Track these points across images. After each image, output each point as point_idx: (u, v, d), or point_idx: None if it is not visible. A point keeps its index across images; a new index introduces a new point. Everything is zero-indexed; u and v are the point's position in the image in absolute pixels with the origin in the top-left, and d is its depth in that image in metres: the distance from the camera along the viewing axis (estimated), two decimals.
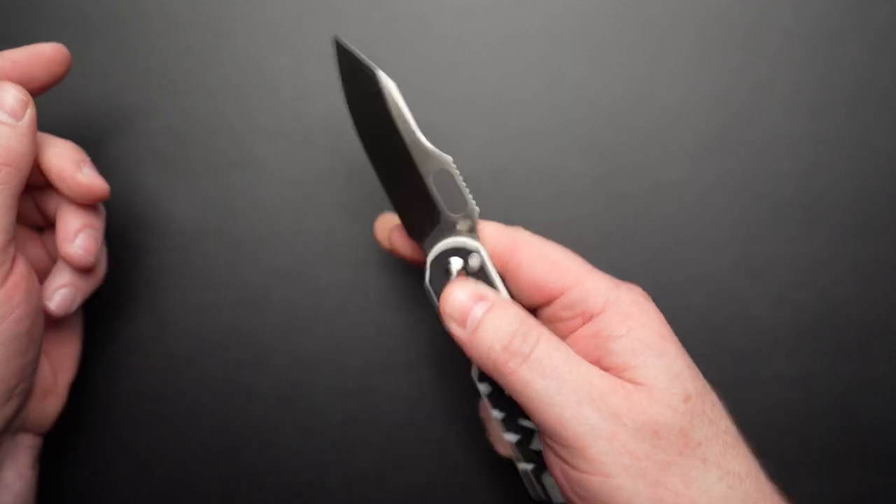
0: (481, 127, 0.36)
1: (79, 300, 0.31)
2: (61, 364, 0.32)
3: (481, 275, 0.28)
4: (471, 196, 0.29)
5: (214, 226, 0.36)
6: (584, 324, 0.27)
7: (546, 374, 0.25)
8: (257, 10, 0.37)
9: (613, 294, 0.27)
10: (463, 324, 0.27)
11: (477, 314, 0.27)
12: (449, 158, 0.28)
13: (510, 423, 0.29)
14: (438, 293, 0.28)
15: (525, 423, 0.29)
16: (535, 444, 0.29)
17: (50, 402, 0.31)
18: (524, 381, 0.25)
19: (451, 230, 0.29)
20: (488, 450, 0.35)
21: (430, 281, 0.28)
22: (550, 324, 0.29)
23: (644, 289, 0.28)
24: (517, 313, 0.27)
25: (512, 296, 0.29)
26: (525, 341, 0.26)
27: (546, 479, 0.29)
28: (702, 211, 0.36)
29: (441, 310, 0.27)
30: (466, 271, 0.28)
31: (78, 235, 0.30)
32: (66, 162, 0.30)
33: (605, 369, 0.26)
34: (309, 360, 0.36)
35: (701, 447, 0.25)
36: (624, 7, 0.37)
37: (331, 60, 0.37)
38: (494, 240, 0.29)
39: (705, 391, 0.26)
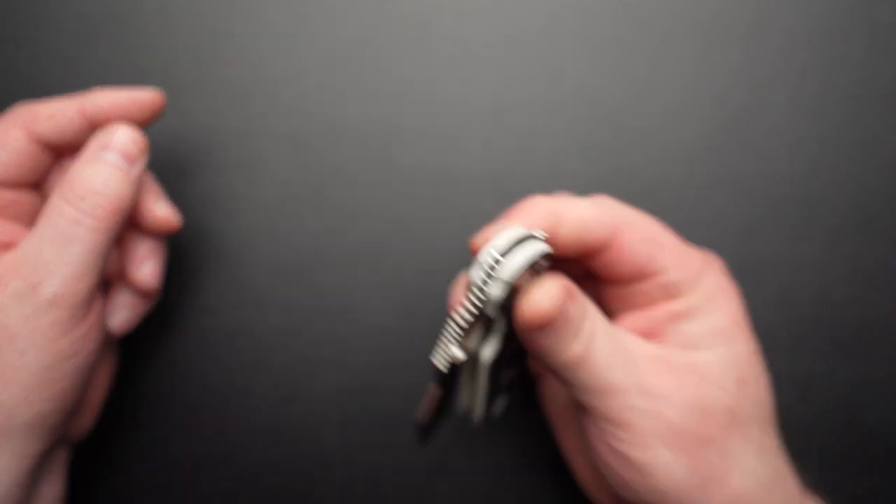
0: (481, 127, 0.36)
1: (137, 320, 0.32)
2: (100, 382, 0.33)
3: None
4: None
5: (214, 226, 0.36)
6: (668, 299, 0.27)
7: (597, 367, 0.25)
8: (257, 11, 0.37)
9: (704, 279, 0.27)
10: (541, 327, 0.25)
11: (561, 320, 0.24)
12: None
13: (493, 388, 0.28)
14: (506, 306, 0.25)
15: (506, 373, 0.29)
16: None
17: (86, 417, 0.32)
18: (576, 377, 0.25)
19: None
20: (488, 450, 0.35)
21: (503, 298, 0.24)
22: (639, 299, 0.28)
23: None
24: (584, 306, 0.25)
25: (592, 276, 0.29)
26: (591, 343, 0.25)
27: (496, 407, 0.29)
28: (701, 211, 0.36)
29: (525, 315, 0.24)
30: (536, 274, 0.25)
31: (145, 262, 0.31)
32: (146, 194, 0.31)
33: (665, 342, 0.27)
34: (309, 360, 0.36)
35: (745, 426, 0.26)
36: (624, 7, 0.37)
37: (331, 61, 0.37)
38: (597, 231, 0.27)
39: (762, 377, 0.27)
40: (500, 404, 0.31)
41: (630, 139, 0.36)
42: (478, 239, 0.26)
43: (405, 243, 0.36)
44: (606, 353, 0.25)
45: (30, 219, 0.30)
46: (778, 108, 0.36)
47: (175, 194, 0.36)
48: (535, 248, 0.24)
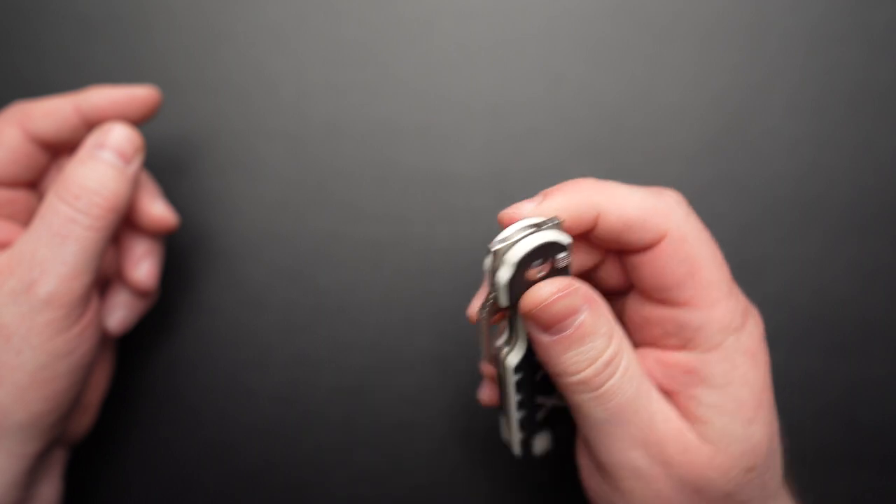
0: (481, 127, 0.36)
1: (134, 320, 0.32)
2: (97, 382, 0.32)
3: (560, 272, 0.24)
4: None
5: (214, 226, 0.36)
6: (680, 348, 0.25)
7: (609, 408, 0.23)
8: (258, 11, 0.37)
9: (732, 338, 0.24)
10: (546, 329, 0.23)
11: (567, 326, 0.23)
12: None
13: (526, 401, 0.27)
14: (514, 293, 0.24)
15: (544, 398, 0.27)
16: (538, 416, 0.28)
17: (84, 417, 0.32)
18: (585, 407, 0.24)
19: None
20: (488, 450, 0.35)
21: (511, 281, 0.23)
22: (653, 324, 0.25)
23: None
24: (607, 330, 0.23)
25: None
26: (606, 370, 0.23)
27: (536, 443, 0.28)
28: (700, 211, 0.36)
29: (526, 308, 0.23)
30: (552, 269, 0.24)
31: (142, 261, 0.31)
32: (142, 193, 0.31)
33: (683, 409, 0.24)
34: (309, 360, 0.36)
35: None
36: (623, 8, 0.37)
37: (331, 61, 0.37)
38: (641, 231, 0.24)
39: (773, 458, 0.24)
40: (542, 443, 0.29)
41: (629, 140, 0.36)
42: (504, 214, 0.24)
43: (405, 243, 0.36)
44: (626, 394, 0.23)
45: (26, 218, 0.30)
46: (776, 109, 0.36)
47: (174, 194, 0.36)
48: (548, 236, 0.23)
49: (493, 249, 0.23)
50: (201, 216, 0.36)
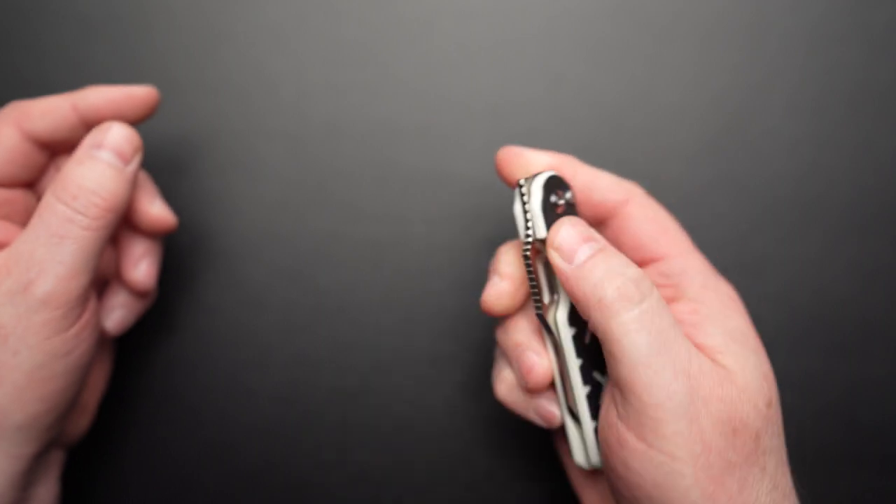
0: (481, 127, 0.36)
1: (132, 320, 0.32)
2: (95, 383, 0.32)
3: (572, 212, 0.27)
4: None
5: (214, 226, 0.36)
6: (675, 297, 0.26)
7: (652, 330, 0.23)
8: (258, 11, 0.37)
9: (713, 280, 0.26)
10: (569, 259, 0.25)
11: (585, 252, 0.25)
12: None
13: (586, 374, 0.27)
14: (543, 218, 0.26)
15: (599, 376, 0.27)
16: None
17: (82, 419, 0.32)
18: (627, 329, 0.23)
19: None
20: (488, 450, 0.35)
21: (543, 207, 0.26)
22: None
23: None
24: (629, 260, 0.25)
25: None
26: (638, 289, 0.24)
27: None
28: (700, 211, 0.36)
29: (549, 240, 0.26)
30: (565, 206, 0.27)
31: (141, 262, 0.31)
32: (141, 193, 0.30)
33: (698, 347, 0.25)
34: (309, 360, 0.36)
35: (765, 455, 0.24)
36: (623, 8, 0.37)
37: (331, 61, 0.37)
38: (607, 190, 0.28)
39: (779, 403, 0.25)
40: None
41: (629, 140, 0.36)
42: (505, 149, 0.29)
43: (405, 243, 0.36)
44: (666, 319, 0.24)
45: (24, 218, 0.30)
46: (776, 109, 0.36)
47: (174, 194, 0.36)
48: (555, 172, 0.27)
49: (520, 182, 0.27)
50: (201, 216, 0.36)
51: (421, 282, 0.36)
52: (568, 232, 0.25)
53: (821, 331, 0.35)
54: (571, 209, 0.27)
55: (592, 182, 0.28)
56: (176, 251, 0.36)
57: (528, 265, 0.27)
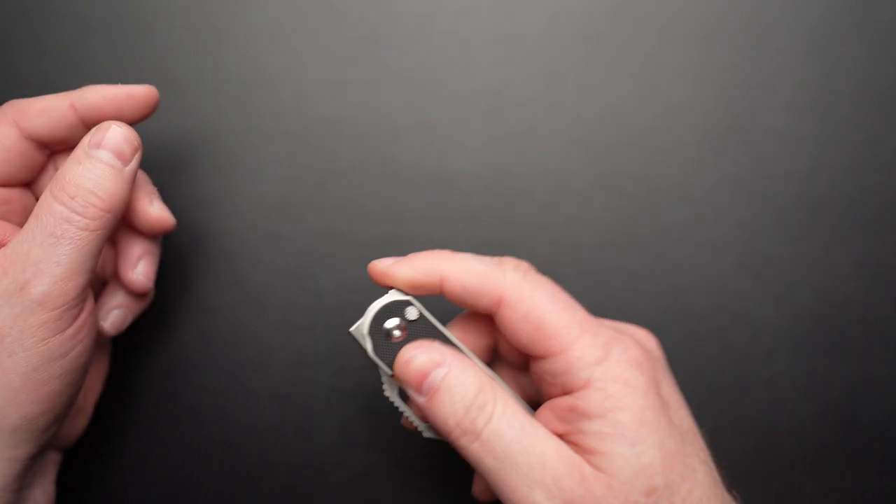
0: (482, 127, 0.36)
1: (129, 320, 0.32)
2: (92, 384, 0.32)
3: (423, 324, 0.28)
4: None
5: (214, 226, 0.36)
6: (561, 393, 0.26)
7: (497, 454, 0.25)
8: (257, 10, 0.37)
9: (599, 370, 0.25)
10: (419, 390, 0.26)
11: (434, 381, 0.26)
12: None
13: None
14: (386, 360, 0.27)
15: None
16: None
17: (78, 420, 0.32)
18: (475, 457, 0.25)
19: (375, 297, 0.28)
20: None
21: (375, 350, 0.27)
22: (537, 379, 0.28)
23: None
24: (474, 380, 0.26)
25: (497, 346, 0.29)
26: (480, 414, 0.25)
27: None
28: (703, 211, 0.36)
29: (395, 376, 0.27)
30: (408, 327, 0.28)
31: (139, 262, 0.31)
32: (140, 194, 0.30)
33: (574, 445, 0.25)
34: (309, 361, 0.36)
35: None
36: (625, 7, 0.37)
37: (331, 60, 0.37)
38: (476, 294, 0.27)
39: (681, 479, 0.25)
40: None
41: (631, 139, 0.36)
42: (371, 265, 0.29)
43: (405, 243, 0.36)
44: (509, 437, 0.25)
45: (21, 218, 0.29)
46: (779, 108, 0.36)
47: (173, 193, 0.36)
48: (384, 300, 0.28)
49: (349, 331, 0.28)
50: (200, 216, 0.36)
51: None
52: (412, 363, 0.26)
53: (823, 331, 0.35)
54: (417, 326, 0.28)
55: (461, 283, 0.27)
56: (175, 251, 0.36)
57: (393, 397, 0.29)
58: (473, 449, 0.25)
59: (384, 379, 0.29)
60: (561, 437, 0.26)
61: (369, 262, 0.36)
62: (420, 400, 0.26)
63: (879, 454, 0.35)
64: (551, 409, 0.26)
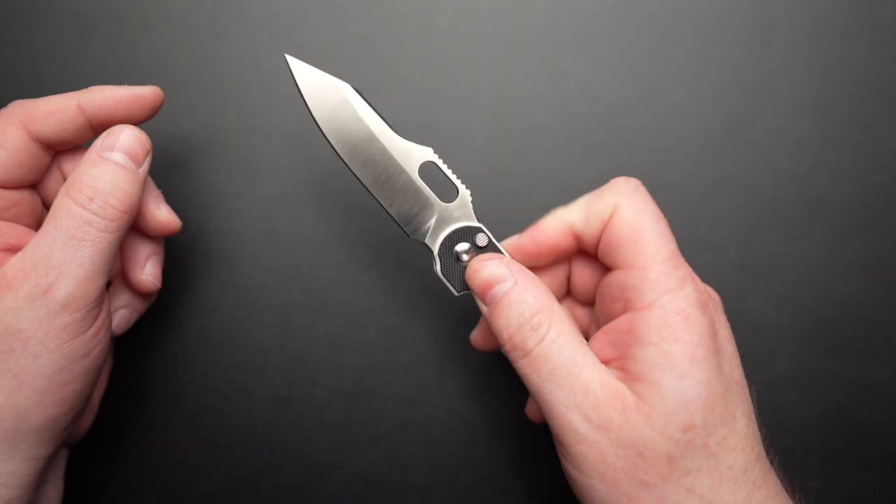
0: (482, 126, 0.36)
1: (134, 319, 0.32)
2: (99, 381, 0.33)
3: (491, 251, 0.29)
4: (460, 181, 0.29)
5: (214, 226, 0.36)
6: (622, 311, 0.27)
7: (542, 373, 0.26)
8: (257, 10, 0.37)
9: (667, 297, 0.26)
10: (483, 299, 0.28)
11: (497, 293, 0.27)
12: (429, 150, 0.29)
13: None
14: (452, 278, 0.29)
15: None
16: None
17: (87, 416, 0.32)
18: (523, 372, 0.26)
19: (449, 218, 0.29)
20: (488, 450, 0.35)
21: (443, 269, 0.29)
22: (602, 296, 0.28)
23: None
24: (535, 300, 0.27)
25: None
26: (532, 334, 0.26)
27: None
28: (704, 210, 0.36)
29: (468, 279, 0.28)
30: (476, 252, 0.29)
31: (146, 263, 0.31)
32: (148, 197, 0.31)
33: (623, 371, 0.26)
34: (308, 361, 0.36)
35: (689, 476, 0.24)
36: (625, 6, 0.37)
37: (331, 60, 0.37)
38: (604, 207, 0.28)
39: (720, 423, 0.25)
40: None
41: (631, 138, 0.36)
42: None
43: (405, 243, 0.36)
44: (558, 360, 0.25)
45: (31, 219, 0.30)
46: (780, 108, 0.36)
47: (173, 193, 0.36)
48: (456, 225, 0.29)
49: (424, 241, 0.29)
50: (200, 215, 0.36)
51: (421, 282, 0.36)
52: (480, 274, 0.28)
53: (824, 331, 0.35)
54: (485, 252, 0.29)
55: (589, 204, 0.29)
56: (174, 251, 0.36)
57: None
58: (522, 364, 0.26)
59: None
60: (611, 362, 0.26)
61: (369, 262, 0.36)
62: (483, 309, 0.28)
63: (881, 454, 0.35)
64: (606, 333, 0.27)
